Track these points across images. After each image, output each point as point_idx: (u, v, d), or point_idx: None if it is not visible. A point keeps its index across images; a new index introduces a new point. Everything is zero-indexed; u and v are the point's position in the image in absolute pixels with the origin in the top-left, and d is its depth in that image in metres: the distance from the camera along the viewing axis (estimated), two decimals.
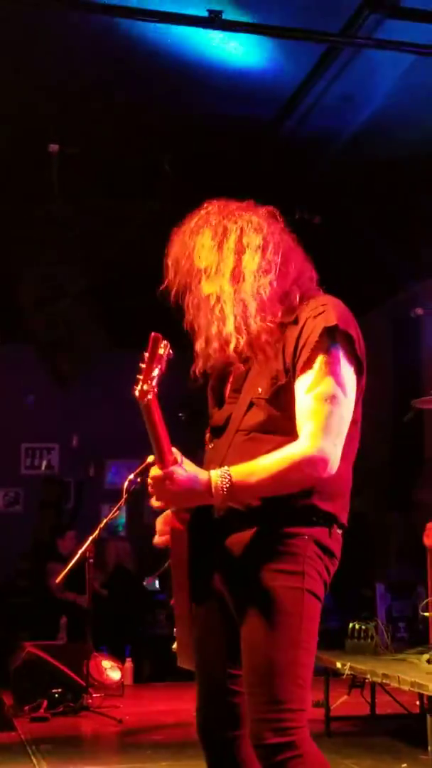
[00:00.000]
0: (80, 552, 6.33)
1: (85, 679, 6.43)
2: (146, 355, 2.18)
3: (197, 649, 2.45)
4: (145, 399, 2.18)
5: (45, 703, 6.29)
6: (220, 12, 4.86)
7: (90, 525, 8.27)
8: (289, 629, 2.26)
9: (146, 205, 6.74)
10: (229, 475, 2.24)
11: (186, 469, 2.26)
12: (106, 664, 7.22)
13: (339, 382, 2.31)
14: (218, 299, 2.39)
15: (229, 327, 2.37)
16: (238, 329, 2.36)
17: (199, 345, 2.45)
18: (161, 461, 2.24)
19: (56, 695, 6.38)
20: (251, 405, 2.38)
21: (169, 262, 2.48)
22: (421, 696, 4.88)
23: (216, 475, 2.25)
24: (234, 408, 2.44)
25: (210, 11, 4.85)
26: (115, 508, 6.37)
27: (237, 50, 5.33)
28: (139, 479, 6.44)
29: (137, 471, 6.48)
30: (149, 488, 2.28)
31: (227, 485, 2.23)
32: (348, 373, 2.34)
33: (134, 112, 6.01)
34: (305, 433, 2.27)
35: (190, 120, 6.07)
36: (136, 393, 2.17)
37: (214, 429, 2.51)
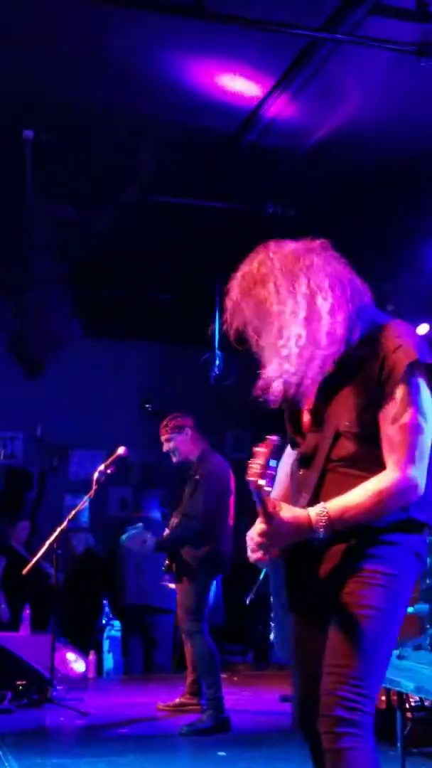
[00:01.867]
0: (48, 542, 6.31)
1: (49, 671, 6.40)
2: (264, 450, 2.43)
3: (298, 649, 2.64)
4: (261, 488, 2.40)
5: (9, 695, 6.25)
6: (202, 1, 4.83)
7: (53, 515, 8.25)
8: (377, 624, 2.46)
9: (121, 195, 6.71)
10: (327, 512, 2.46)
11: (286, 515, 2.46)
12: (71, 656, 7.19)
13: (421, 411, 2.52)
14: (296, 342, 2.54)
15: (311, 368, 2.54)
16: (315, 365, 2.54)
17: (275, 383, 2.59)
18: (266, 520, 2.44)
19: (20, 687, 6.34)
20: (338, 436, 2.57)
21: (232, 306, 2.66)
22: (388, 692, 4.92)
23: (314, 513, 2.47)
24: (319, 438, 2.62)
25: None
26: (84, 499, 6.38)
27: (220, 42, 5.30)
28: (108, 470, 6.46)
29: (108, 462, 6.51)
30: (255, 542, 2.49)
31: (325, 521, 2.45)
32: (428, 399, 2.55)
33: (109, 101, 5.96)
34: (394, 463, 2.49)
35: (166, 108, 6.03)
36: (251, 481, 2.40)
37: (302, 458, 2.69)
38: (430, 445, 2.53)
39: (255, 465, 2.41)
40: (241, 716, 5.83)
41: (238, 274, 2.67)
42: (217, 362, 7.94)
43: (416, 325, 7.54)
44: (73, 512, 6.37)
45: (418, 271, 7.57)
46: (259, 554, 2.54)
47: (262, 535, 2.47)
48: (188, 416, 5.97)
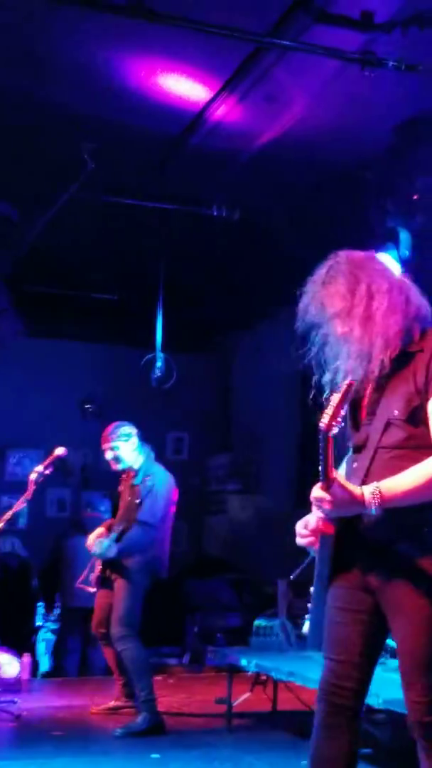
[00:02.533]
0: None
1: None
2: (339, 395, 2.64)
3: (333, 628, 2.84)
4: (330, 432, 2.61)
5: None
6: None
7: None
8: None
9: (66, 192, 6.66)
10: (379, 489, 2.66)
11: (344, 487, 2.66)
12: (4, 658, 7.11)
13: None
14: (354, 339, 2.82)
15: (365, 362, 2.80)
16: (372, 363, 2.80)
17: (328, 376, 2.86)
18: (325, 482, 2.64)
19: None
20: (388, 425, 2.79)
21: (303, 306, 2.94)
22: None
23: (368, 491, 2.66)
24: (371, 428, 2.84)
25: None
26: (21, 499, 6.30)
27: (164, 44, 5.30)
28: (47, 471, 6.41)
29: (46, 463, 6.45)
30: (315, 503, 2.70)
31: (378, 498, 2.65)
32: None
33: (51, 100, 5.92)
34: None
35: (110, 108, 6.01)
36: (323, 424, 2.61)
37: (355, 447, 2.91)
38: None
39: (326, 413, 2.62)
40: (175, 718, 5.84)
41: (312, 277, 2.95)
42: (159, 364, 7.92)
43: None
44: (9, 513, 6.29)
45: None
46: (310, 539, 2.82)
47: (319, 500, 2.67)
48: (132, 425, 5.96)
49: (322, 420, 2.62)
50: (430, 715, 2.65)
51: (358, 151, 6.43)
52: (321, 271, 2.94)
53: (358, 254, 2.97)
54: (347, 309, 2.84)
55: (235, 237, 7.48)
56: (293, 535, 2.94)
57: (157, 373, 7.99)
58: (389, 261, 3.00)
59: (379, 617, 2.80)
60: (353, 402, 2.91)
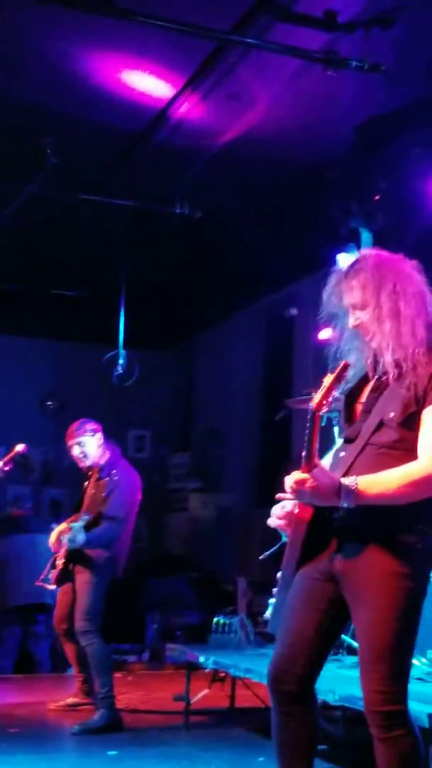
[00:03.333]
0: None
1: None
2: (333, 375, 2.68)
3: (290, 614, 2.86)
4: (320, 412, 2.66)
5: None
6: None
7: None
8: (403, 623, 2.71)
9: (27, 187, 6.62)
10: (357, 484, 2.66)
11: (325, 472, 2.69)
12: None
13: None
14: (374, 335, 2.85)
15: (378, 360, 2.84)
16: (385, 363, 2.83)
17: (352, 370, 2.88)
18: (307, 464, 2.65)
19: None
20: (381, 425, 2.81)
21: (327, 297, 2.96)
22: None
23: (345, 482, 2.67)
24: (364, 425, 2.86)
25: None
26: None
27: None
28: (6, 468, 6.36)
29: (5, 460, 6.40)
30: (290, 484, 2.68)
31: (354, 493, 2.65)
32: None
33: (14, 95, 5.88)
34: (428, 454, 2.72)
35: (73, 103, 5.99)
36: (313, 404, 2.65)
37: (346, 439, 2.94)
38: None
39: (318, 395, 2.66)
40: (133, 715, 5.83)
41: (340, 270, 2.97)
42: (121, 361, 7.90)
43: (317, 329, 7.64)
44: None
45: (321, 276, 7.69)
46: (282, 522, 2.86)
47: (299, 482, 2.65)
48: (97, 422, 5.94)
49: (312, 400, 2.64)
50: (387, 704, 2.67)
51: (321, 151, 6.46)
52: (350, 265, 2.96)
53: (386, 254, 2.97)
54: (372, 304, 2.85)
55: (197, 235, 7.49)
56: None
57: (119, 370, 7.98)
58: (417, 267, 2.97)
59: (339, 608, 2.82)
60: (349, 398, 2.96)
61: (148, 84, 5.78)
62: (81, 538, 5.52)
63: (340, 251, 7.05)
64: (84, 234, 8.03)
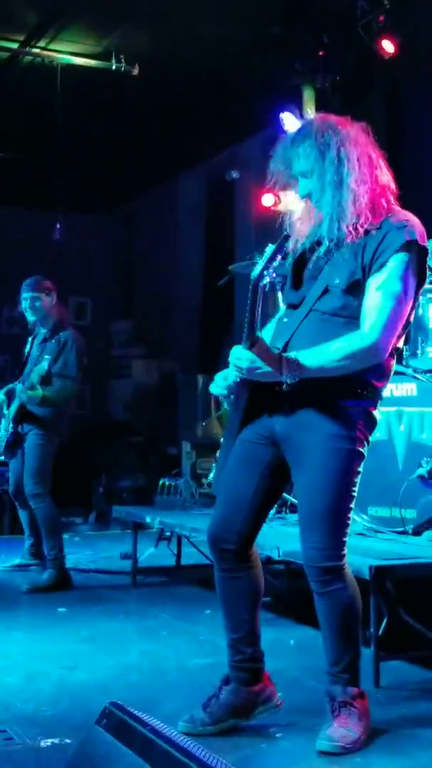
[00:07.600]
0: None
1: None
2: (274, 247, 2.64)
3: (229, 477, 2.93)
4: (260, 281, 2.62)
5: None
6: None
7: None
8: (341, 482, 2.79)
9: None
10: (297, 358, 2.67)
11: (266, 348, 2.67)
12: None
13: (405, 286, 2.77)
14: (319, 203, 2.81)
15: (324, 227, 2.80)
16: (330, 230, 2.79)
17: (298, 238, 2.86)
18: (248, 340, 2.63)
19: None
20: (326, 291, 2.81)
21: (275, 166, 2.91)
22: None
23: (286, 358, 2.67)
24: (308, 292, 2.86)
25: None
26: None
27: None
28: None
29: None
30: (233, 361, 2.70)
31: (295, 366, 2.66)
32: (413, 281, 2.80)
33: None
34: (369, 324, 2.74)
35: None
36: (254, 273, 2.61)
37: (289, 305, 2.94)
38: (403, 318, 2.80)
39: (258, 266, 2.63)
40: (82, 575, 5.96)
41: (284, 135, 2.91)
42: (58, 226, 7.72)
43: (260, 193, 7.54)
44: None
45: (264, 136, 7.53)
46: (224, 392, 2.88)
47: (240, 358, 2.68)
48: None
49: (254, 270, 2.62)
50: (325, 560, 2.78)
51: (266, 4, 6.24)
52: (295, 130, 2.88)
53: (332, 118, 2.87)
54: (316, 172, 2.80)
55: (135, 93, 7.25)
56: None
57: (57, 235, 7.80)
58: (365, 129, 2.88)
59: (278, 471, 2.90)
60: (297, 265, 2.93)
61: None
62: (37, 393, 5.47)
63: (281, 110, 6.90)
64: (16, 92, 7.70)
